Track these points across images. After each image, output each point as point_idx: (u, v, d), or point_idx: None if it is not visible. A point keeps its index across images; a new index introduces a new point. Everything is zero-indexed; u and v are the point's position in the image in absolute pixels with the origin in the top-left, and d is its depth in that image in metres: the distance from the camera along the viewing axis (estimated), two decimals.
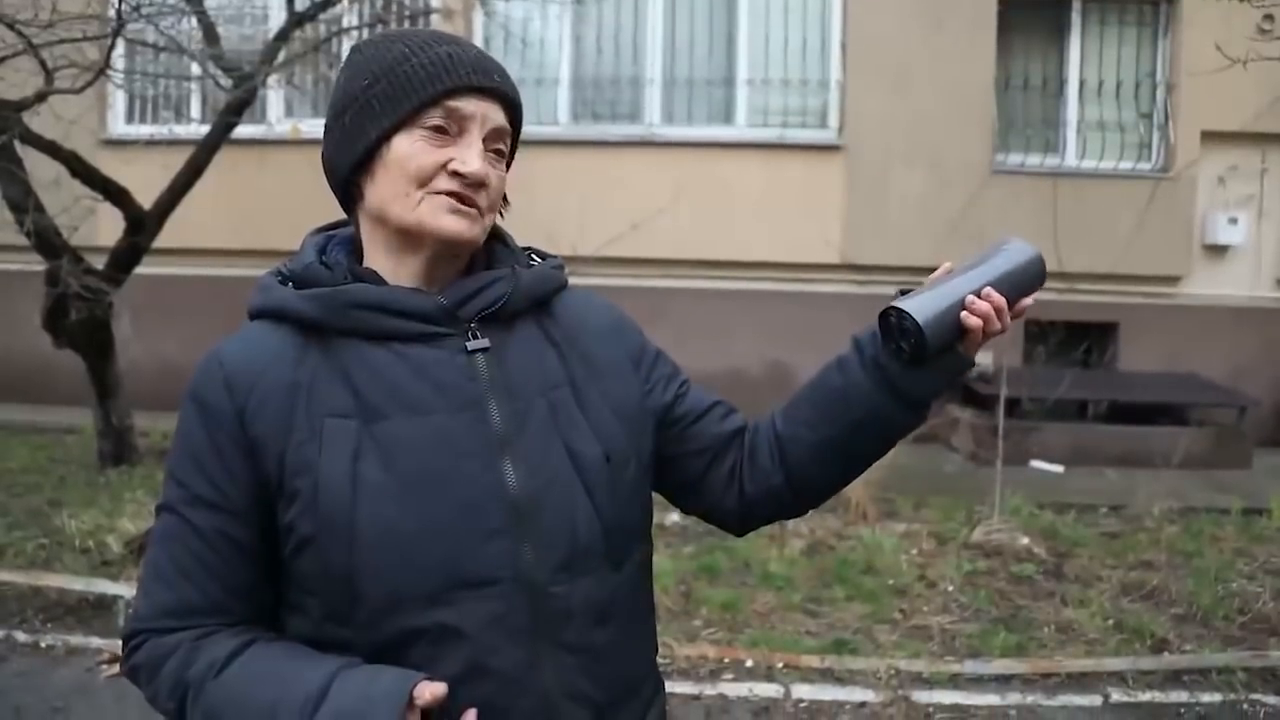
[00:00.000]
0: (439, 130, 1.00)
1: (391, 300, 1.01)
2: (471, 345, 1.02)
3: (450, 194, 1.00)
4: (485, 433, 1.00)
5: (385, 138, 1.01)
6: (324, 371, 0.99)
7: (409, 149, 1.00)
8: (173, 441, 1.03)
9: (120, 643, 1.07)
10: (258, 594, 1.01)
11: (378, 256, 1.05)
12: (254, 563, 0.99)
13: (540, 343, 1.08)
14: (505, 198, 1.10)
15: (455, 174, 1.00)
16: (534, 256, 1.16)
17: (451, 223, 1.00)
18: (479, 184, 1.01)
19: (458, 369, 1.01)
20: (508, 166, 1.09)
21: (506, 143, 1.07)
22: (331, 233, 1.12)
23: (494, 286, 1.05)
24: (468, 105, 1.01)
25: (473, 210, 1.01)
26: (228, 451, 0.97)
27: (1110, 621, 3.99)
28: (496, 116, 1.03)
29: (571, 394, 1.07)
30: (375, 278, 1.04)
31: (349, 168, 1.03)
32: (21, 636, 3.78)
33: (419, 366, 1.00)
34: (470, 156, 1.00)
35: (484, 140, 1.02)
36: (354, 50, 1.08)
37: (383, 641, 0.95)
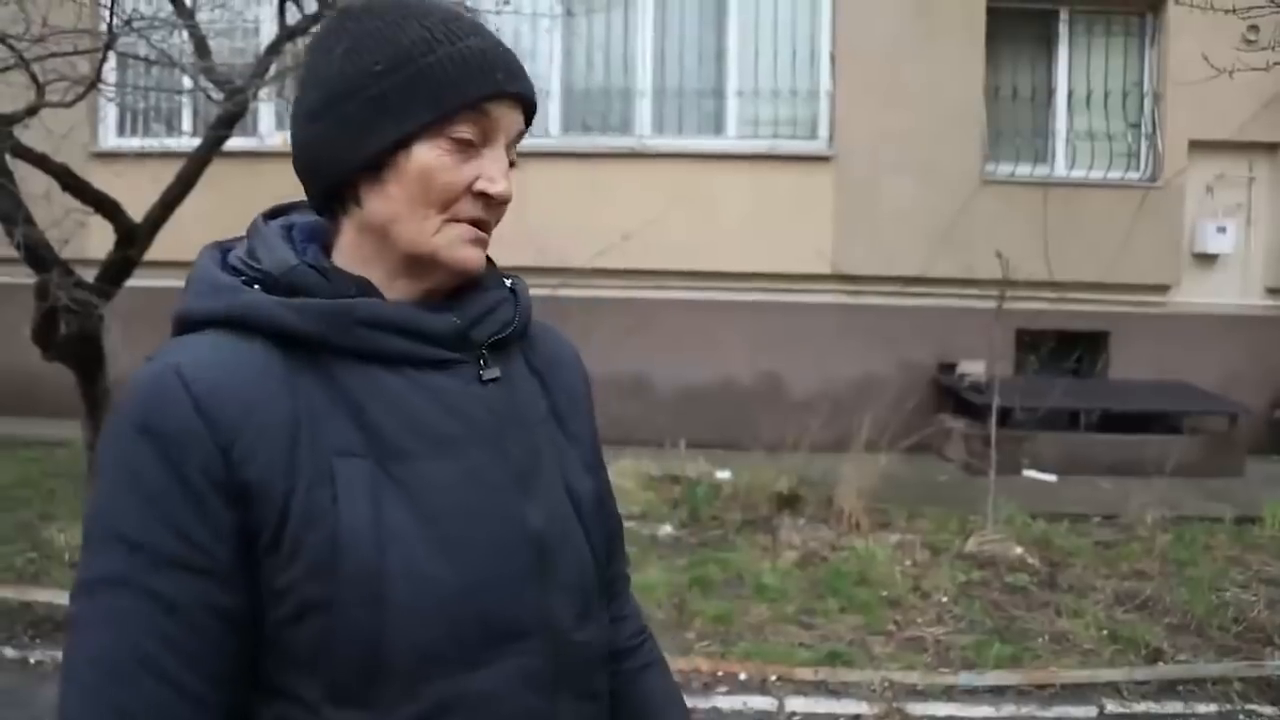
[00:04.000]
0: (468, 143, 0.87)
1: (407, 320, 0.87)
2: (485, 374, 0.91)
3: (473, 222, 0.89)
4: (508, 470, 0.90)
5: (404, 143, 0.86)
6: (321, 400, 0.83)
7: (434, 162, 0.86)
8: (101, 492, 0.80)
9: None
10: (240, 680, 0.82)
11: (362, 265, 0.90)
12: (241, 638, 0.80)
13: (527, 372, 0.99)
14: None
15: (481, 195, 0.88)
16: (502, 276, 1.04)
17: (468, 255, 0.89)
18: (502, 203, 0.90)
19: (477, 400, 0.90)
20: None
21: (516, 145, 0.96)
22: (288, 221, 0.94)
23: (501, 309, 0.95)
24: (500, 111, 0.88)
25: (487, 236, 0.92)
26: (204, 493, 0.78)
27: (1105, 632, 4.00)
28: (519, 122, 0.92)
29: (558, 428, 0.99)
30: (373, 290, 0.89)
31: (351, 169, 0.87)
32: (9, 652, 3.75)
33: (438, 397, 0.88)
34: (498, 174, 0.88)
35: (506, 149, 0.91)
36: (347, 18, 0.89)
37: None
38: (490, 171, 0.87)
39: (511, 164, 0.91)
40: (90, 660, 0.77)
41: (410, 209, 0.86)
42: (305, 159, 0.91)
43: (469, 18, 0.91)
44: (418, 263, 0.89)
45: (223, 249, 0.92)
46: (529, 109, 0.92)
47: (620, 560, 1.12)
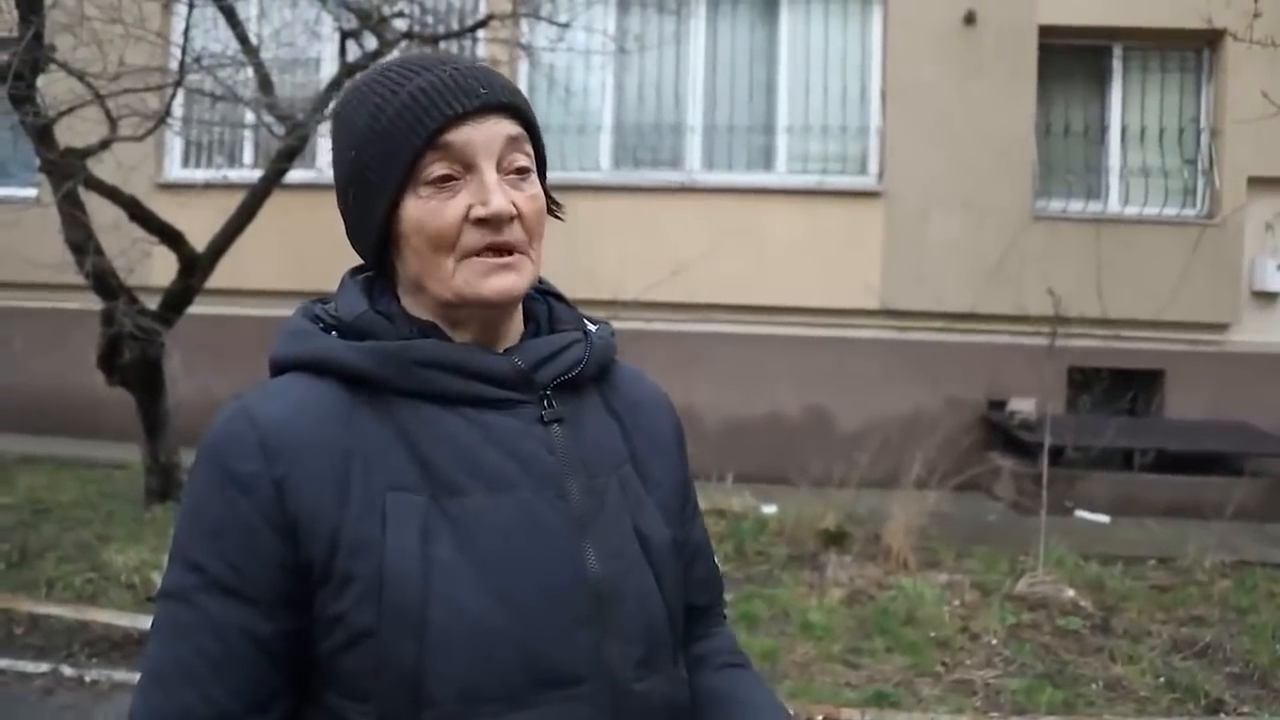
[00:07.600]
0: (445, 178, 0.88)
1: (466, 360, 0.90)
2: (548, 415, 0.92)
3: (487, 249, 0.89)
4: (566, 511, 0.89)
5: (393, 208, 0.90)
6: (380, 436, 0.87)
7: (420, 212, 0.88)
8: (181, 515, 0.87)
9: None
10: (277, 704, 0.85)
11: (427, 314, 0.94)
12: (277, 666, 0.84)
13: (604, 415, 0.99)
14: (557, 203, 0.99)
15: (480, 221, 0.88)
16: (586, 320, 1.05)
17: (493, 285, 0.89)
18: (509, 219, 0.89)
19: (536, 440, 0.90)
20: (541, 172, 0.96)
21: (526, 151, 0.92)
22: (372, 275, 0.98)
23: (570, 350, 0.96)
24: (462, 136, 0.88)
25: (513, 256, 0.90)
26: (257, 528, 0.83)
27: (1161, 679, 3.88)
28: (501, 130, 0.90)
29: (634, 472, 0.98)
30: (439, 332, 0.93)
31: (375, 248, 0.94)
32: (68, 670, 3.83)
33: (495, 436, 0.89)
34: (488, 194, 0.88)
35: (499, 163, 0.90)
36: (333, 115, 0.97)
37: None
38: (479, 195, 0.88)
39: (524, 170, 0.91)
40: (150, 661, 0.86)
41: (425, 260, 0.90)
42: (349, 237, 0.98)
43: (424, 59, 0.92)
44: (453, 307, 0.92)
45: (313, 303, 0.99)
46: (515, 112, 0.91)
47: (715, 606, 1.12)
